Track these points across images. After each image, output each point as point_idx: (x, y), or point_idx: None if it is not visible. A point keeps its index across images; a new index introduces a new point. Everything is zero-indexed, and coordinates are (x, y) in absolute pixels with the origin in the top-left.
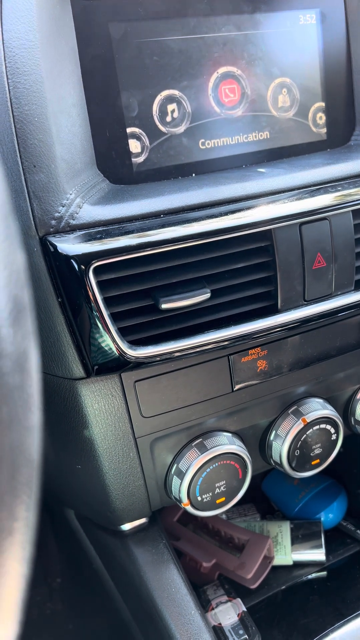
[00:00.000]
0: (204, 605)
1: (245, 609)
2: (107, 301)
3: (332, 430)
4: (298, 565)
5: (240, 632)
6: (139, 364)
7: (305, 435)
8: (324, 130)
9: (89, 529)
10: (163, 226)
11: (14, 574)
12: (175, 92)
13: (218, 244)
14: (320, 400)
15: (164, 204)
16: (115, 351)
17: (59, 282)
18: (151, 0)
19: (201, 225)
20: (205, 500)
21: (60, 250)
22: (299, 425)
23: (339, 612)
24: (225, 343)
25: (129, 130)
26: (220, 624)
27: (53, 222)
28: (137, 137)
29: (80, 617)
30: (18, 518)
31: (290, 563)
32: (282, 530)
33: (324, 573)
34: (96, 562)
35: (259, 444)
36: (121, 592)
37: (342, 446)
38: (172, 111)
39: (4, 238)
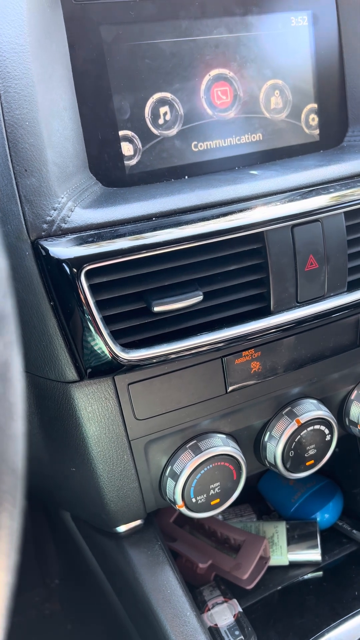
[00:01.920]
0: (200, 606)
1: (241, 610)
2: (100, 304)
3: (327, 431)
4: (294, 565)
5: (237, 632)
6: (132, 366)
7: (299, 436)
8: (317, 131)
9: (85, 530)
10: (155, 229)
11: None
12: (167, 95)
13: (210, 247)
14: (315, 401)
15: (156, 207)
16: (108, 354)
17: (51, 285)
18: (143, 3)
19: (193, 227)
20: (199, 501)
21: (52, 254)
22: (293, 426)
23: (335, 612)
24: (219, 345)
25: (121, 133)
26: (216, 624)
27: (45, 225)
28: (129, 140)
29: (79, 618)
30: (1, 526)
31: (286, 563)
32: (278, 531)
33: (320, 573)
34: (93, 564)
35: (253, 445)
36: (118, 593)
37: (337, 446)
38: (165, 114)
39: None
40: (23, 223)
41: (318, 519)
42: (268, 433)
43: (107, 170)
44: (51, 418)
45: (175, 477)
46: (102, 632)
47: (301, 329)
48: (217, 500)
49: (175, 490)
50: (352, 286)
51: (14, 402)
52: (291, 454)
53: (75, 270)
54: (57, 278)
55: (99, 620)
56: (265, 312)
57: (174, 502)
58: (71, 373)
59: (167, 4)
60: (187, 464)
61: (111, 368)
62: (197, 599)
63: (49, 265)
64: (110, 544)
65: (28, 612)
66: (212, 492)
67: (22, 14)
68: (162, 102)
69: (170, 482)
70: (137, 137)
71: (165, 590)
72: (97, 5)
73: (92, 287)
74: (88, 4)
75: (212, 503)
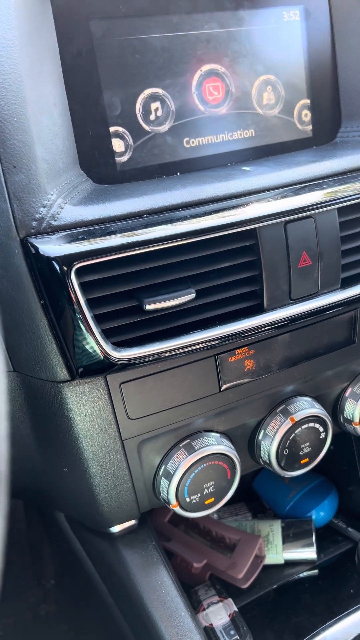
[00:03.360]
0: (195, 606)
1: (236, 609)
2: (91, 302)
3: (321, 429)
4: (289, 564)
5: (232, 632)
6: (124, 365)
7: (293, 434)
8: (310, 127)
9: (79, 531)
10: (147, 226)
11: None
12: (159, 91)
13: (202, 244)
14: (309, 399)
15: (147, 204)
16: (100, 353)
17: (41, 284)
18: None
19: (185, 224)
20: (194, 501)
21: (41, 252)
22: (288, 424)
23: (331, 610)
24: (212, 343)
25: (112, 129)
26: (211, 624)
27: (34, 223)
28: (120, 136)
29: (74, 619)
30: None
31: (282, 562)
32: (273, 529)
33: (316, 571)
34: (88, 565)
35: (247, 443)
36: (112, 594)
37: (332, 444)
38: (156, 110)
39: None
40: (12, 220)
41: (313, 517)
42: (262, 431)
43: (98, 167)
44: (43, 418)
45: (169, 476)
46: (98, 633)
47: (295, 327)
48: (212, 500)
49: (169, 489)
50: (345, 283)
51: None
52: (285, 452)
53: (65, 268)
54: (47, 276)
55: (95, 620)
56: (258, 310)
57: (168, 502)
58: (62, 373)
59: None
60: (181, 463)
61: (103, 367)
62: (192, 599)
63: (38, 263)
64: (105, 545)
65: (23, 613)
66: (206, 491)
67: (10, 8)
68: (154, 97)
69: (164, 482)
70: (128, 133)
71: (160, 590)
72: None
73: (82, 285)
74: None
75: (207, 502)
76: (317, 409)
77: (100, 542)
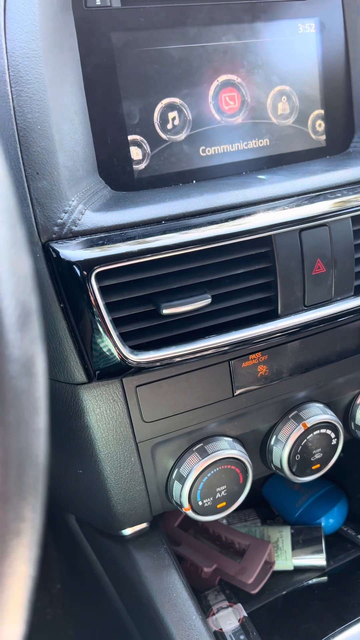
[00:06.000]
0: (205, 610)
1: (246, 614)
2: (109, 306)
3: (333, 435)
4: (299, 570)
5: (242, 637)
6: (140, 369)
7: (305, 440)
8: (323, 137)
9: (89, 533)
10: (164, 232)
11: (21, 574)
12: (176, 100)
13: (219, 250)
14: (321, 405)
15: (165, 211)
16: (117, 356)
17: (62, 287)
18: (152, 10)
19: (202, 231)
20: (206, 504)
21: (62, 256)
22: (300, 430)
23: (340, 617)
24: (226, 348)
25: (130, 137)
26: (221, 629)
27: (55, 228)
28: (138, 145)
29: (81, 623)
30: (25, 519)
31: (291, 568)
32: (283, 535)
33: (325, 578)
34: (97, 567)
35: (259, 448)
36: (122, 597)
37: (342, 451)
38: (173, 119)
39: (12, 245)
40: (34, 225)
41: (323, 523)
42: (274, 437)
43: (116, 174)
44: (59, 420)
45: (182, 479)
46: (105, 637)
47: (308, 333)
48: (224, 504)
49: (182, 493)
50: (359, 290)
51: (38, 397)
52: (297, 457)
53: (85, 272)
54: (67, 280)
55: (102, 624)
56: (272, 316)
57: (181, 505)
58: (80, 375)
59: (176, 11)
60: (194, 466)
61: (120, 370)
62: (201, 603)
63: (59, 268)
64: (116, 547)
65: (29, 617)
66: (218, 495)
67: (34, 19)
68: (171, 107)
69: (177, 485)
70: (145, 141)
71: (171, 593)
72: (108, 11)
73: (102, 290)
74: (99, 10)
75: (219, 506)
76: (329, 415)
77: (112, 545)
